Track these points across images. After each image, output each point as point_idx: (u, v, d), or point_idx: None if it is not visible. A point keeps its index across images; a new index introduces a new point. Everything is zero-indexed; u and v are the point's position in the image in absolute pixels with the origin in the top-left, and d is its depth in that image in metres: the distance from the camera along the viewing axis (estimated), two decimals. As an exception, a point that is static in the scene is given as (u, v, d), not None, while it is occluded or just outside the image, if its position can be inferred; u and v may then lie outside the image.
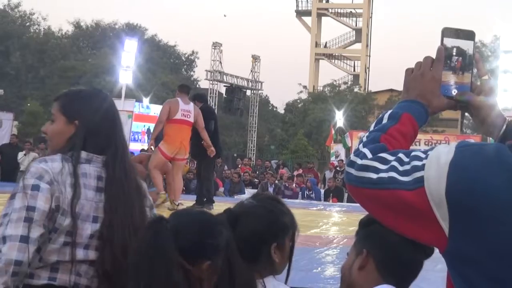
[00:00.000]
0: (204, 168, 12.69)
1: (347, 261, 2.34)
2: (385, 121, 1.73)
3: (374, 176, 1.58)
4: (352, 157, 1.66)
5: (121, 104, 26.56)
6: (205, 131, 11.55)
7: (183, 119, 11.17)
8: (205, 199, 12.12)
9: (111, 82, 40.47)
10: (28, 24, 57.31)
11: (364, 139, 1.69)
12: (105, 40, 58.38)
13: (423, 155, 1.53)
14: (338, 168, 23.01)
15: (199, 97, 12.90)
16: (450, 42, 1.72)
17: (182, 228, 2.14)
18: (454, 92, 1.72)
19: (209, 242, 2.14)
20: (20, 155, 20.59)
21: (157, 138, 11.38)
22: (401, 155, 1.57)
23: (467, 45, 1.72)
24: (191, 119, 11.26)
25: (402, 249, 2.19)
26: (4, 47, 52.82)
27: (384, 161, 1.59)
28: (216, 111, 40.82)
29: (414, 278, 2.29)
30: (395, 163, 1.57)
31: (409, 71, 1.79)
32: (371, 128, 1.74)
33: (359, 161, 1.62)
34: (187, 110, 11.26)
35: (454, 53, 1.72)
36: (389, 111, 1.75)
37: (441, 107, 1.76)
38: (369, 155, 1.62)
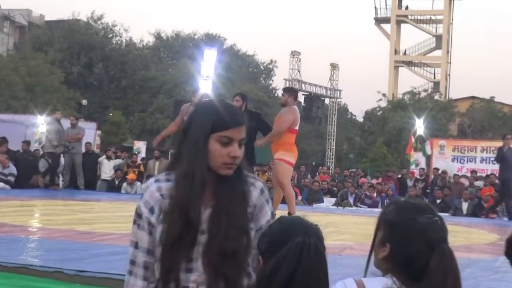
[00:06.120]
0: None
1: None
2: None
3: None
4: None
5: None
6: None
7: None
8: None
9: (191, 92, 40.90)
10: (110, 35, 58.48)
11: None
12: (185, 50, 59.18)
13: None
14: (418, 177, 22.70)
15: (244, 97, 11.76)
16: None
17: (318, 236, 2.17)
18: None
19: None
20: (101, 159, 20.97)
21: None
22: None
23: None
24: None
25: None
26: (87, 58, 54.17)
27: None
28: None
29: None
30: None
31: None
32: None
33: None
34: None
35: None
36: None
37: None
38: None
